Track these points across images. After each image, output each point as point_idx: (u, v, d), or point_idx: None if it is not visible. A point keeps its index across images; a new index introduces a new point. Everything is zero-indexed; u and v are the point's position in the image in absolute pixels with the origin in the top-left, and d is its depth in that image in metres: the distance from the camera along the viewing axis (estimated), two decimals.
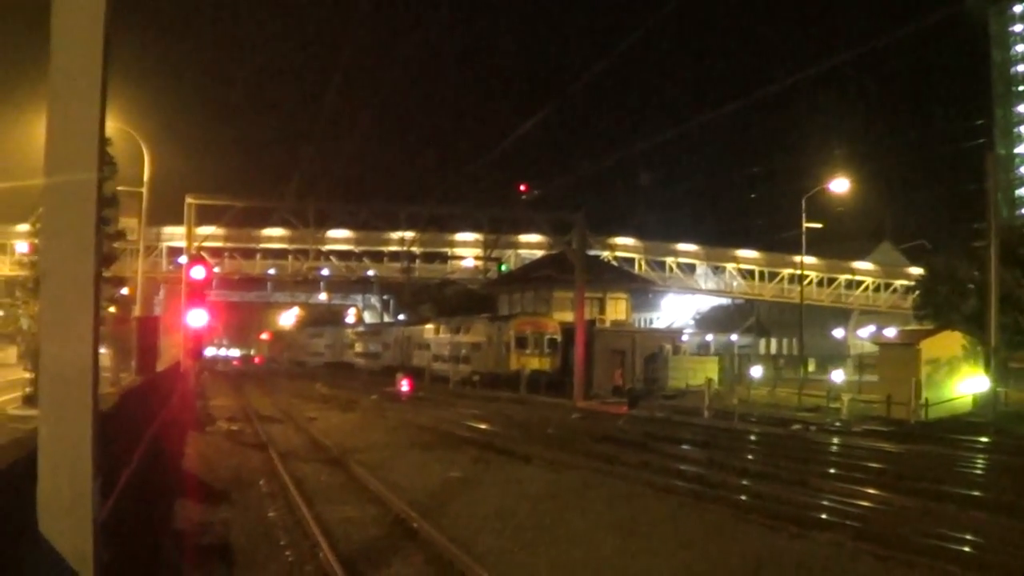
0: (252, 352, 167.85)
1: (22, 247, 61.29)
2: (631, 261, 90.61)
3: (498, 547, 14.08)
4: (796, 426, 34.43)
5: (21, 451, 6.37)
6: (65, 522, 5.93)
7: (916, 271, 69.11)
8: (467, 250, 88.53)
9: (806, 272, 73.71)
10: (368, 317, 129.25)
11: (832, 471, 22.55)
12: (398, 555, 13.57)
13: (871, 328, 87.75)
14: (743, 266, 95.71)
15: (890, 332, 62.85)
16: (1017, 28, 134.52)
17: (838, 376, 45.91)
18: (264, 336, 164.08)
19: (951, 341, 37.83)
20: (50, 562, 5.86)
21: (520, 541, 14.50)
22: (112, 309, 45.02)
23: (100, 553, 6.08)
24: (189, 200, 47.83)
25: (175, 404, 30.08)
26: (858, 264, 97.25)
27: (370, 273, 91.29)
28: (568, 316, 57.89)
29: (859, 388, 41.52)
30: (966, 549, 13.72)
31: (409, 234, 79.96)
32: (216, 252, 78.56)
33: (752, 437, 31.51)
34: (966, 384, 36.74)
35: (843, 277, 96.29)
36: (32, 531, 5.87)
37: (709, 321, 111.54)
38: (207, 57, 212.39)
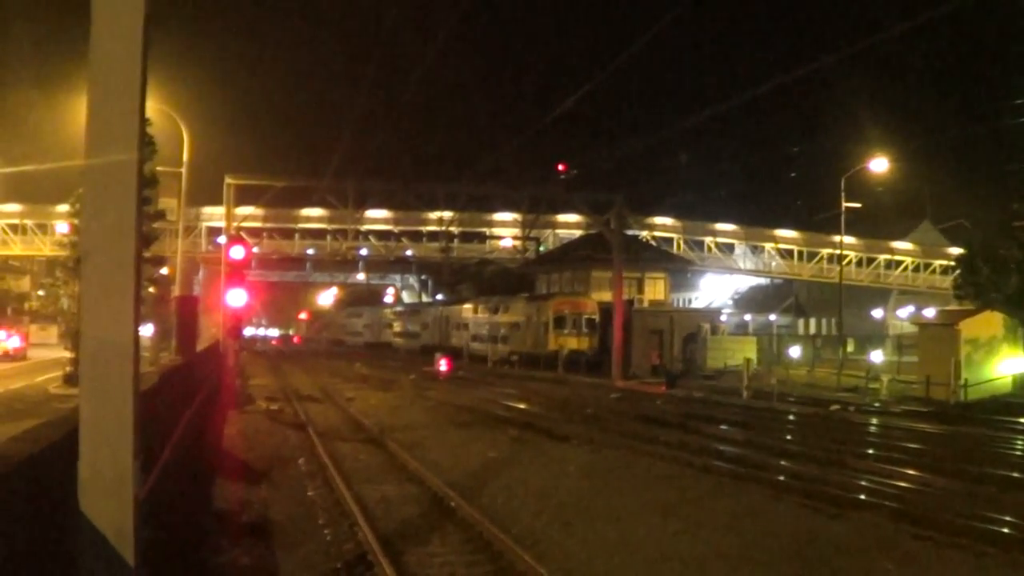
0: (291, 332, 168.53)
1: (62, 227, 61.88)
2: (669, 241, 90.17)
3: (537, 527, 14.11)
4: (835, 406, 34.21)
5: (62, 430, 6.41)
6: (106, 500, 5.96)
7: (956, 251, 68.31)
8: (505, 230, 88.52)
9: (845, 252, 73.12)
10: (406, 297, 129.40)
11: (871, 452, 22.47)
12: (436, 534, 13.62)
13: (910, 308, 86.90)
14: (782, 246, 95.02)
15: (929, 312, 62.19)
16: None
17: (877, 356, 45.66)
18: (303, 316, 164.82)
19: (991, 321, 37.44)
20: (90, 540, 5.90)
21: (559, 521, 14.51)
22: (152, 289, 45.46)
23: (140, 531, 6.12)
24: (228, 180, 48.10)
25: (214, 384, 30.30)
26: (897, 244, 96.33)
27: (408, 253, 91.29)
28: (606, 296, 57.74)
29: (898, 368, 41.27)
30: (1006, 531, 13.59)
31: (447, 214, 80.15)
32: (255, 232, 78.98)
33: (791, 417, 31.35)
34: (1006, 365, 36.38)
35: (882, 257, 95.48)
36: (73, 509, 5.92)
37: (747, 301, 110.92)
38: (247, 38, 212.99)
